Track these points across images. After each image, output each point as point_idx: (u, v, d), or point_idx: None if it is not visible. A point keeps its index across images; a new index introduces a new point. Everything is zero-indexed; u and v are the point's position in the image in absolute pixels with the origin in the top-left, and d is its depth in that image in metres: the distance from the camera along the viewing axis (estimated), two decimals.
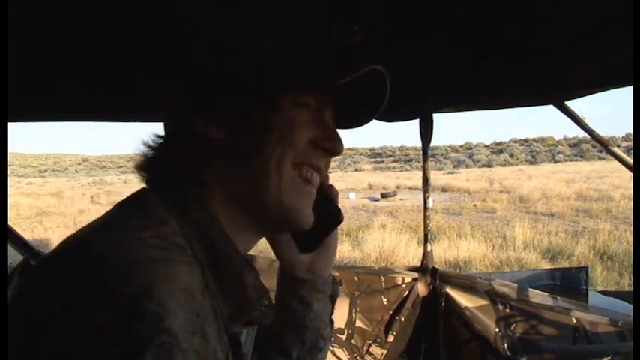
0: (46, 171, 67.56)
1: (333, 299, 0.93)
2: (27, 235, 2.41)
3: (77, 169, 72.01)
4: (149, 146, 0.74)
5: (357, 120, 0.84)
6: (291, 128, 0.69)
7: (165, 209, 0.63)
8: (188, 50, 0.75)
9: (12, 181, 49.71)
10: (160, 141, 0.74)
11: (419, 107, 2.39)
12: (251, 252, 0.77)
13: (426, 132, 2.54)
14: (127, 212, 0.63)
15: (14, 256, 2.34)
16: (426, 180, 2.69)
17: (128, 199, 0.68)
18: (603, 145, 1.93)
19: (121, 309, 0.46)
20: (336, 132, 0.75)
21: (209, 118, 0.68)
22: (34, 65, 1.32)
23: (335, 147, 0.74)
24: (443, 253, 9.48)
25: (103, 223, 0.61)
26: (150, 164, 0.73)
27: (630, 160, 1.80)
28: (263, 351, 0.89)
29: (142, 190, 0.69)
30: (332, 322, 0.95)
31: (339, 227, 0.89)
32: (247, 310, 0.66)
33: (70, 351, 0.45)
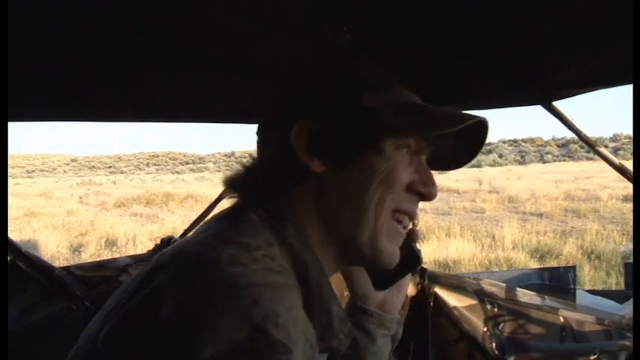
0: (33, 171, 66.95)
1: (394, 340, 0.95)
2: (15, 236, 2.39)
3: (65, 169, 71.42)
4: (244, 166, 0.77)
5: (449, 164, 0.85)
6: (391, 172, 0.71)
7: (267, 230, 0.65)
8: (298, 86, 0.79)
9: None
10: (255, 163, 0.78)
11: None
12: None
13: None
14: (234, 229, 0.64)
15: None
16: None
17: (229, 214, 0.71)
18: (590, 146, 1.95)
19: (251, 332, 0.47)
20: (432, 176, 0.77)
21: (312, 152, 0.70)
22: (35, 65, 1.31)
23: (430, 192, 0.76)
24: (432, 253, 9.52)
25: (214, 236, 0.63)
26: (245, 184, 0.76)
27: (617, 161, 1.81)
28: None
29: (240, 207, 0.71)
30: None
31: None
32: (328, 338, 0.68)
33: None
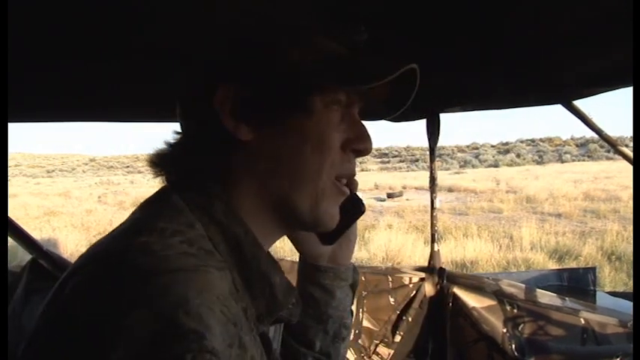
0: (53, 171, 67.92)
1: (353, 288, 0.94)
2: (35, 235, 2.43)
3: (84, 169, 72.34)
4: (168, 143, 0.72)
5: (382, 113, 0.82)
6: (324, 134, 0.67)
7: (191, 211, 0.62)
8: (216, 51, 0.74)
9: (20, 181, 50.07)
10: (180, 138, 0.72)
11: (426, 107, 2.39)
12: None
13: (433, 132, 2.54)
14: (153, 215, 0.61)
15: (23, 255, 2.36)
16: (433, 180, 2.68)
17: (152, 200, 0.67)
18: (612, 145, 1.92)
19: (160, 325, 0.45)
20: (366, 130, 0.73)
21: (238, 118, 0.65)
22: (35, 65, 1.32)
23: (366, 148, 0.73)
24: (449, 253, 9.45)
25: (130, 226, 0.60)
26: (170, 162, 0.71)
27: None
28: (285, 344, 0.89)
29: (164, 190, 0.68)
30: (352, 312, 0.95)
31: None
32: (276, 310, 0.66)
33: None
